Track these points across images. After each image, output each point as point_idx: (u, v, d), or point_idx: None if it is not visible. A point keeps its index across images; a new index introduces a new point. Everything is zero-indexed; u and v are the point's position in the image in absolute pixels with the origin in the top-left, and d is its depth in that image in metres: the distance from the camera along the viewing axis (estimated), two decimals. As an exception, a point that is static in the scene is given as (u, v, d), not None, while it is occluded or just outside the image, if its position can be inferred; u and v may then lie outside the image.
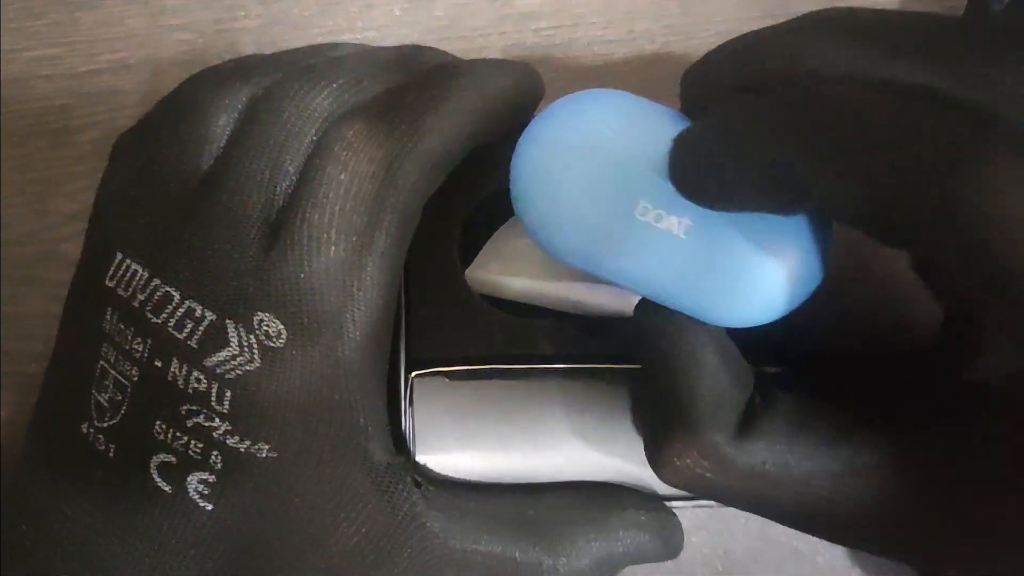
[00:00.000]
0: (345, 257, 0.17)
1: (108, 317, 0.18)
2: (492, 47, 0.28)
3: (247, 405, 0.17)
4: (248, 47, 0.27)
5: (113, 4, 0.27)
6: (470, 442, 0.20)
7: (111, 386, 0.18)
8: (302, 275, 0.16)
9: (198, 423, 0.17)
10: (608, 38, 0.28)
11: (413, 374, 0.21)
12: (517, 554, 0.19)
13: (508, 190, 0.24)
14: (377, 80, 0.18)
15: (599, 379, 0.22)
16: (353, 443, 0.17)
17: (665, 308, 0.18)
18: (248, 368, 0.17)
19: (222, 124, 0.18)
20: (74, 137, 0.27)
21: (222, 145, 0.18)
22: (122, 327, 0.17)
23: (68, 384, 0.19)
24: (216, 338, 0.17)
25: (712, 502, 0.21)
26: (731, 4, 0.28)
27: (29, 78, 0.27)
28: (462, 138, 0.18)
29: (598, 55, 0.28)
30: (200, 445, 0.17)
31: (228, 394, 0.17)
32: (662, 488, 0.21)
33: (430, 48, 0.20)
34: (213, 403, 0.17)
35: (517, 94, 0.19)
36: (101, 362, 0.18)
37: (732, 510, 0.27)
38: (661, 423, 0.17)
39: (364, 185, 0.17)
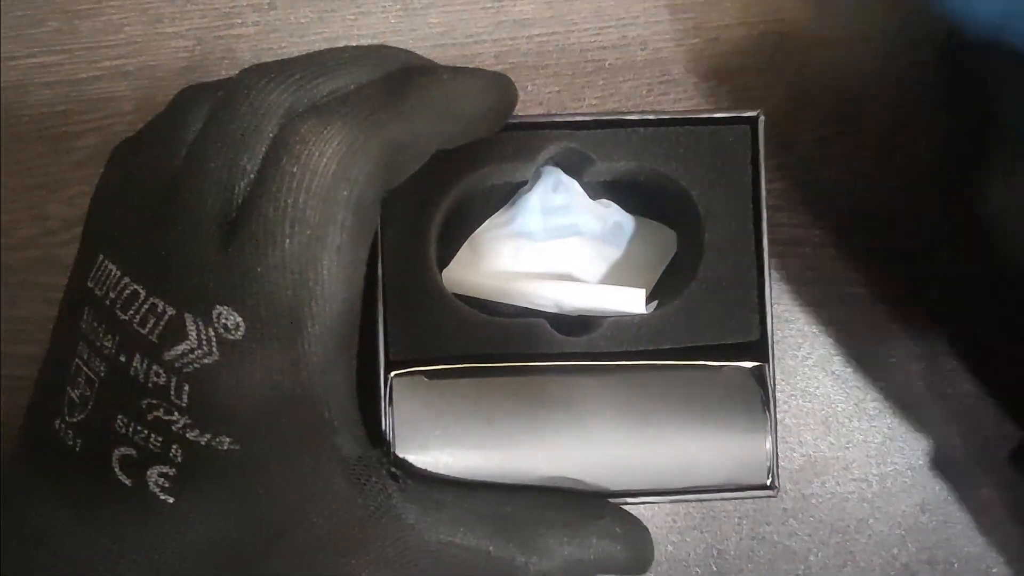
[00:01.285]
0: (300, 251, 0.17)
1: (85, 316, 0.18)
2: (486, 54, 0.28)
3: (206, 398, 0.17)
4: (245, 54, 0.27)
5: (112, 11, 0.27)
6: (450, 440, 0.20)
7: (83, 382, 0.18)
8: (259, 268, 0.17)
9: (158, 416, 0.17)
10: (601, 44, 0.28)
11: (392, 374, 0.21)
12: (491, 548, 0.19)
13: (484, 192, 0.24)
14: (340, 75, 0.18)
15: (576, 377, 0.22)
16: (319, 436, 0.18)
17: None
18: (206, 361, 0.17)
19: (194, 126, 0.18)
20: (73, 143, 0.27)
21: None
22: (95, 325, 0.18)
23: (48, 383, 0.19)
24: (175, 332, 0.17)
25: (685, 496, 0.22)
26: (721, 10, 0.28)
27: (29, 84, 0.27)
28: (422, 136, 0.18)
29: (591, 61, 0.28)
30: (160, 439, 0.17)
31: (186, 388, 0.17)
32: (640, 485, 0.21)
33: (402, 49, 0.20)
34: (172, 397, 0.17)
35: (486, 97, 0.20)
36: (76, 360, 0.18)
37: (724, 510, 0.28)
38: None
39: (316, 179, 0.17)
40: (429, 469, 0.20)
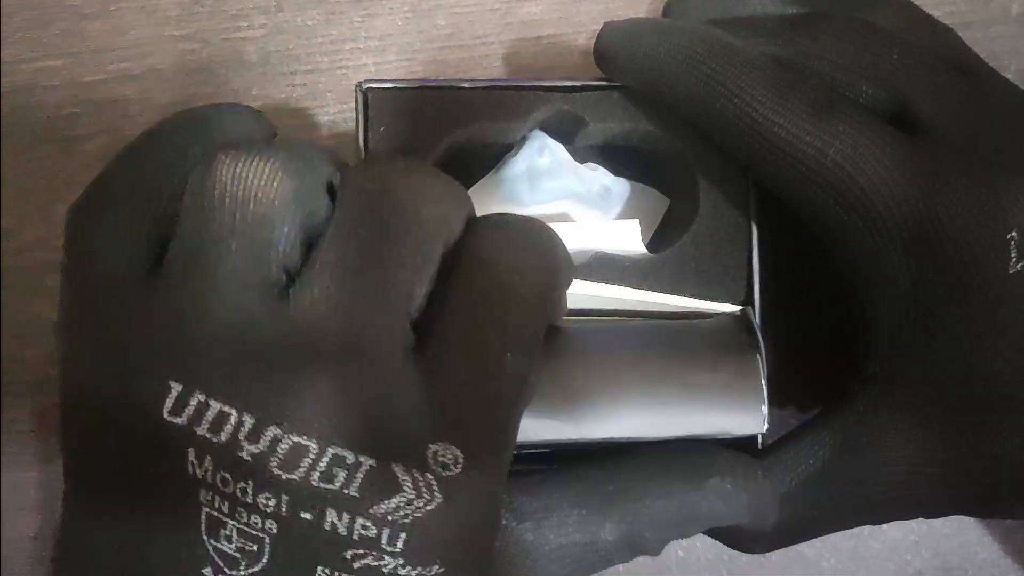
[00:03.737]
0: (516, 367, 0.16)
1: (194, 461, 0.15)
2: (494, 55, 0.28)
3: (425, 541, 0.16)
4: (252, 56, 0.27)
5: (119, 14, 0.27)
6: None
7: (235, 535, 0.16)
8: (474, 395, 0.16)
9: (367, 564, 0.15)
10: (609, 46, 0.28)
11: None
12: (604, 535, 0.19)
13: (473, 151, 0.23)
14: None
15: (562, 324, 0.21)
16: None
17: None
18: (428, 508, 0.16)
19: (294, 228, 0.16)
20: (81, 145, 0.27)
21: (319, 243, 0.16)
22: (228, 477, 0.15)
23: (150, 529, 0.16)
24: (382, 485, 0.15)
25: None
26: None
27: (36, 87, 0.27)
28: None
29: (599, 62, 0.28)
30: None
31: (402, 536, 0.15)
32: (629, 434, 0.21)
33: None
34: (384, 546, 0.15)
35: None
36: (206, 509, 0.16)
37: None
38: None
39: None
40: None
